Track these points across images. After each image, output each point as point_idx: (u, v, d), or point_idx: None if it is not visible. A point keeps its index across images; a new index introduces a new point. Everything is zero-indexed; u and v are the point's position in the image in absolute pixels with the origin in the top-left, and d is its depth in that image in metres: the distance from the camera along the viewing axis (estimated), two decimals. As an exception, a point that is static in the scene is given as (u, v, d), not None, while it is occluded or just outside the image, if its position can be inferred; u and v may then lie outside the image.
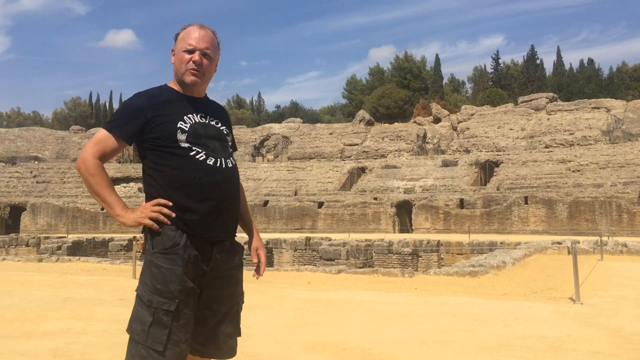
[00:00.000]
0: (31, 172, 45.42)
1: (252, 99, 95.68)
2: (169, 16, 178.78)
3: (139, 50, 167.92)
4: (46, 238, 28.33)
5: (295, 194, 41.63)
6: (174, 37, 2.48)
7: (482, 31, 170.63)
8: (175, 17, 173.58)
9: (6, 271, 12.17)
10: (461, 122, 48.70)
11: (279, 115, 76.74)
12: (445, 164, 41.69)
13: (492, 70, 77.68)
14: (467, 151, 43.86)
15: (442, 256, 22.13)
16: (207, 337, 2.40)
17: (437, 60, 73.07)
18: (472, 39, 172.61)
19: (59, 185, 44.47)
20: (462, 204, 35.69)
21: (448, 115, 53.32)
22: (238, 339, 2.52)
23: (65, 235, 32.17)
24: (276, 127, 55.17)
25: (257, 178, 44.25)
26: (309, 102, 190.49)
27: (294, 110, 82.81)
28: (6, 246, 26.97)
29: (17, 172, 45.17)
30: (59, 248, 23.66)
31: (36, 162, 48.56)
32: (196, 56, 2.39)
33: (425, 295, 8.37)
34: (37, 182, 44.40)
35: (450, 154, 44.80)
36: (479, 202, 35.27)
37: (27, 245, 27.41)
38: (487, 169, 40.39)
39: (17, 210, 40.64)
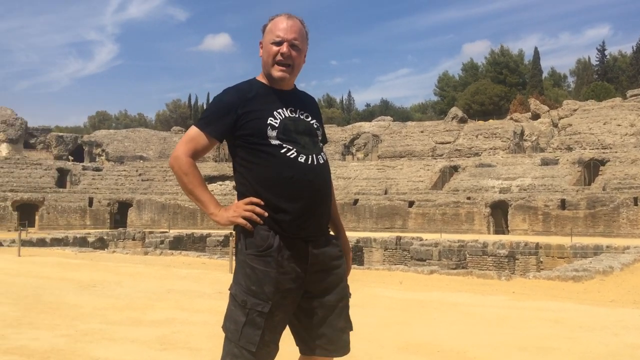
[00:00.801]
0: (137, 171, 48.50)
1: (342, 97, 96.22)
2: (262, 18, 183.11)
3: (235, 53, 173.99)
4: (150, 232, 30.18)
5: (386, 193, 41.39)
6: (262, 29, 2.42)
7: (587, 21, 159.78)
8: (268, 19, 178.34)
9: (116, 263, 13.10)
10: (562, 118, 46.09)
11: (369, 114, 76.55)
12: (545, 163, 39.67)
13: (597, 63, 72.89)
14: (569, 149, 41.47)
15: (541, 259, 21.10)
16: (319, 331, 2.35)
17: (536, 54, 69.65)
18: (575, 29, 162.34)
19: (162, 183, 47.16)
20: (563, 204, 33.80)
21: (548, 111, 50.70)
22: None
23: (167, 230, 34.08)
24: (366, 126, 55.09)
25: (347, 177, 44.44)
26: (399, 100, 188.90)
27: (384, 109, 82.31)
28: (115, 239, 29.02)
29: (125, 170, 48.42)
30: (162, 242, 25.11)
31: (141, 161, 51.81)
32: (284, 48, 2.32)
33: (524, 300, 8.02)
34: (142, 180, 47.36)
35: (550, 152, 42.57)
36: (582, 203, 33.23)
37: (133, 239, 29.36)
38: (591, 168, 37.97)
39: (124, 206, 43.56)
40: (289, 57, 2.33)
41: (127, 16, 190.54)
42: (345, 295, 2.42)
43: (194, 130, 2.35)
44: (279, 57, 2.32)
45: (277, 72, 2.34)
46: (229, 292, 2.34)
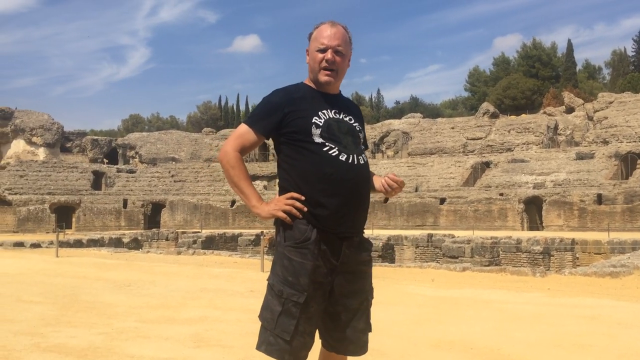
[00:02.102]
0: (169, 172, 49.28)
1: (371, 95, 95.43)
2: (291, 19, 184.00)
3: (264, 54, 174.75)
4: (183, 233, 30.60)
5: (416, 190, 41.08)
6: (308, 37, 2.56)
7: (623, 11, 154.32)
8: (297, 19, 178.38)
9: (150, 262, 13.33)
10: (598, 111, 44.96)
11: (399, 111, 76.02)
12: (580, 157, 38.78)
13: (634, 54, 70.65)
14: (605, 142, 40.45)
15: (577, 255, 20.66)
16: (341, 333, 2.46)
17: (570, 46, 68.03)
18: (610, 20, 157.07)
19: (193, 183, 47.81)
20: (599, 199, 32.99)
21: (582, 104, 49.51)
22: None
23: (199, 230, 34.52)
24: (396, 123, 54.78)
25: (378, 174, 44.16)
26: (429, 97, 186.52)
27: (414, 106, 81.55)
28: (149, 240, 29.54)
29: (157, 172, 49.25)
30: (194, 242, 25.43)
31: (173, 162, 52.62)
32: (329, 54, 2.45)
33: (560, 296, 7.86)
34: (174, 181, 48.10)
35: (585, 146, 41.61)
36: (619, 198, 32.37)
37: (166, 239, 29.82)
38: (628, 162, 36.94)
39: (157, 207, 44.31)
40: (333, 63, 2.46)
41: (159, 20, 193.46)
42: (367, 298, 2.51)
43: (243, 127, 2.50)
44: (324, 64, 2.46)
45: (323, 76, 2.47)
46: (267, 282, 2.44)
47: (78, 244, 22.45)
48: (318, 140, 2.39)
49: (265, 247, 15.54)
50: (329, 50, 2.45)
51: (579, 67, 72.58)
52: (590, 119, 46.06)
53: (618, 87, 59.16)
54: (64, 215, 40.00)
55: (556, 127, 46.84)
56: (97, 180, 45.92)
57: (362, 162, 2.47)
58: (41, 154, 50.26)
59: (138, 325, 5.62)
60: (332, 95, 2.54)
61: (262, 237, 17.73)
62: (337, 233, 2.38)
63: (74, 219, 40.71)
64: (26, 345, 4.69)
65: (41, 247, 19.06)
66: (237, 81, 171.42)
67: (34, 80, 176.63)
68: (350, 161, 2.41)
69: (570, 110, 50.46)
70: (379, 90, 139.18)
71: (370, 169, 2.65)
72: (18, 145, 51.25)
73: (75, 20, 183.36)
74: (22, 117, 51.54)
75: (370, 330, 2.54)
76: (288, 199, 2.37)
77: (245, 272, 11.16)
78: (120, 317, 6.08)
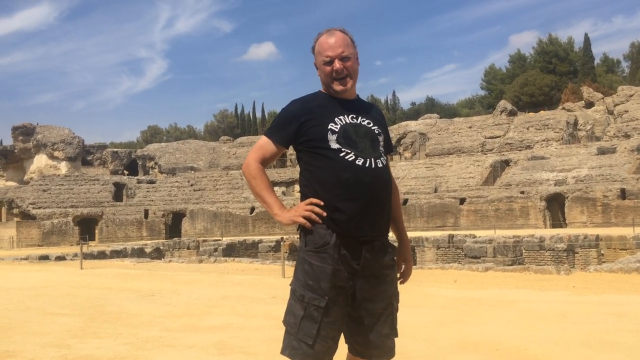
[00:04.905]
0: (189, 182, 49.69)
1: (386, 98, 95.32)
2: (305, 25, 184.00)
3: (280, 60, 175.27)
4: (204, 241, 30.78)
5: (435, 191, 40.83)
6: (311, 51, 2.57)
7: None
8: (312, 25, 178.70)
9: (172, 272, 13.44)
10: (618, 104, 44.29)
11: (415, 113, 75.66)
12: (602, 152, 38.21)
13: (653, 45, 69.56)
14: (627, 136, 39.79)
15: (602, 252, 20.30)
16: (365, 338, 2.46)
17: (587, 40, 67.12)
18: (629, 12, 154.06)
19: (213, 192, 48.13)
20: (623, 194, 32.42)
21: (602, 98, 48.81)
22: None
23: (220, 238, 34.71)
24: (412, 125, 54.59)
25: (395, 176, 44.10)
26: (445, 97, 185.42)
27: (430, 106, 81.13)
28: (171, 249, 29.75)
29: (177, 181, 49.69)
30: (215, 250, 25.56)
31: (192, 171, 53.04)
32: (336, 65, 2.46)
33: (586, 294, 7.74)
34: (194, 190, 48.48)
35: (606, 140, 40.99)
36: (643, 192, 31.80)
37: (188, 248, 29.97)
38: (651, 155, 36.29)
39: (178, 217, 44.69)
40: (342, 72, 2.48)
41: (175, 32, 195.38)
42: (391, 303, 2.50)
43: (263, 139, 2.55)
44: (334, 74, 2.48)
45: (337, 86, 2.49)
46: (290, 287, 2.47)
47: (101, 255, 22.73)
48: (334, 146, 2.40)
49: (286, 252, 15.56)
50: (336, 61, 2.47)
51: (597, 61, 71.59)
52: (611, 113, 45.38)
53: (638, 79, 58.22)
54: (87, 227, 40.55)
55: (576, 123, 46.23)
56: (118, 192, 46.49)
57: (380, 165, 2.45)
58: (63, 167, 51.05)
59: (163, 334, 5.66)
60: (350, 101, 2.54)
61: (282, 243, 17.77)
62: (356, 237, 2.37)
63: (96, 231, 41.25)
64: (54, 357, 4.76)
65: (66, 259, 19.33)
66: (253, 89, 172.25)
67: (55, 95, 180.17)
68: (367, 165, 2.40)
69: (589, 105, 49.79)
70: (394, 92, 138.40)
71: (392, 172, 2.63)
72: (40, 160, 52.15)
73: (94, 35, 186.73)
74: (44, 133, 52.44)
75: (396, 335, 2.52)
76: (308, 204, 2.40)
77: (266, 279, 11.19)
78: (145, 326, 6.13)
